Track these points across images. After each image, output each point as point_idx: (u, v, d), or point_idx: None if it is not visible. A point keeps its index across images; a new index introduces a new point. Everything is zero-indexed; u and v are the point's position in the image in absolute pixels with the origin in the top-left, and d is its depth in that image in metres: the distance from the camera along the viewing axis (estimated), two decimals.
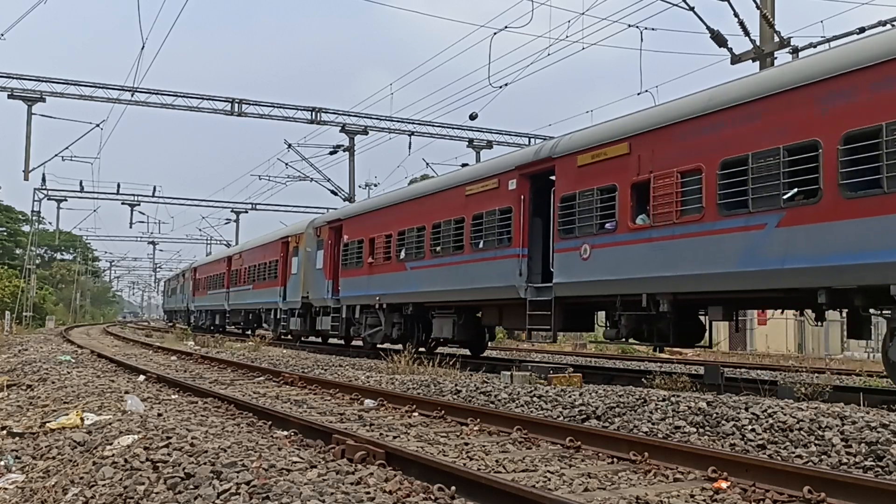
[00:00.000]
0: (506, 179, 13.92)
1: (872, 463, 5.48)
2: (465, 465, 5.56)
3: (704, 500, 4.75)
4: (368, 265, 18.87)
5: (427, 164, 33.32)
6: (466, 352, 20.23)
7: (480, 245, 14.40)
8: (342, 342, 25.21)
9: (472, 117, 25.93)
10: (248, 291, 31.28)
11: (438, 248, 15.78)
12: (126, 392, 9.42)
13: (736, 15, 14.63)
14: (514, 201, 13.55)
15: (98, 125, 30.11)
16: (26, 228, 59.51)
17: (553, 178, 13.01)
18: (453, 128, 31.55)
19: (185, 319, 48.78)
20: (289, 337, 26.86)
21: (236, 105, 28.60)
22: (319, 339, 26.80)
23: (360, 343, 21.77)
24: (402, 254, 17.20)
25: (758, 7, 14.99)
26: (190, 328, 39.25)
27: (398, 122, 30.90)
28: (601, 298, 11.94)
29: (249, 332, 33.16)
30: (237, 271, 33.87)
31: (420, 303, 16.90)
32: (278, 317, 26.42)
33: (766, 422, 6.55)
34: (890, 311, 8.33)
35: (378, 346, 19.59)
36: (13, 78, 26.71)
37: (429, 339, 17.96)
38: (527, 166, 13.57)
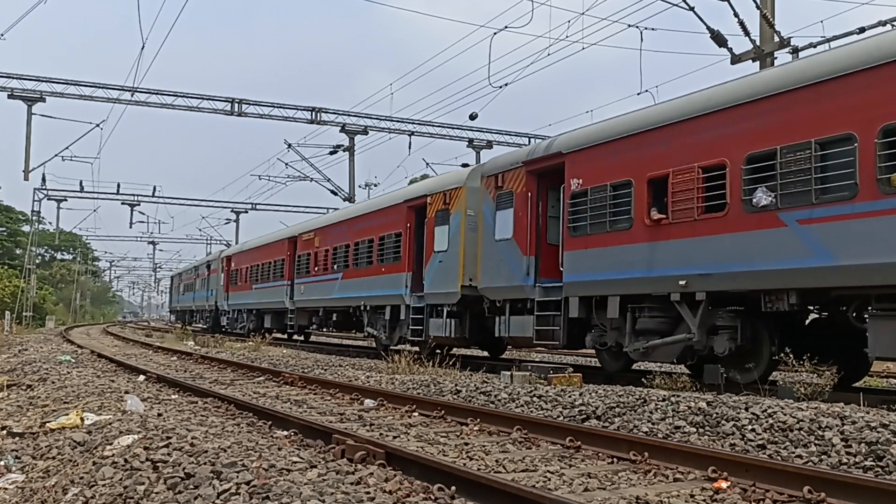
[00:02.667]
0: None
1: (872, 463, 5.49)
2: (465, 465, 5.56)
3: (704, 500, 4.75)
4: (650, 225, 10.82)
5: (427, 164, 33.37)
6: (470, 352, 18.97)
7: None
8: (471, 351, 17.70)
9: (472, 117, 25.95)
10: (334, 282, 22.00)
11: None
12: (126, 392, 9.42)
13: (736, 15, 14.63)
14: None
15: (98, 125, 30.15)
16: (26, 228, 59.53)
17: None
18: (453, 128, 31.57)
19: (209, 321, 40.20)
20: (414, 347, 17.68)
21: (236, 105, 28.60)
22: (484, 353, 18.05)
23: (590, 356, 15.62)
24: (766, 198, 9.22)
25: (758, 7, 14.99)
26: (186, 332, 33.90)
27: (398, 122, 30.91)
28: None
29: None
30: (309, 256, 24.43)
31: (831, 289, 8.97)
32: (402, 317, 17.83)
33: (766, 422, 6.56)
34: None
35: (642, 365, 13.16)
36: (13, 78, 26.71)
37: (774, 357, 10.05)
38: None
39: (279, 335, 28.72)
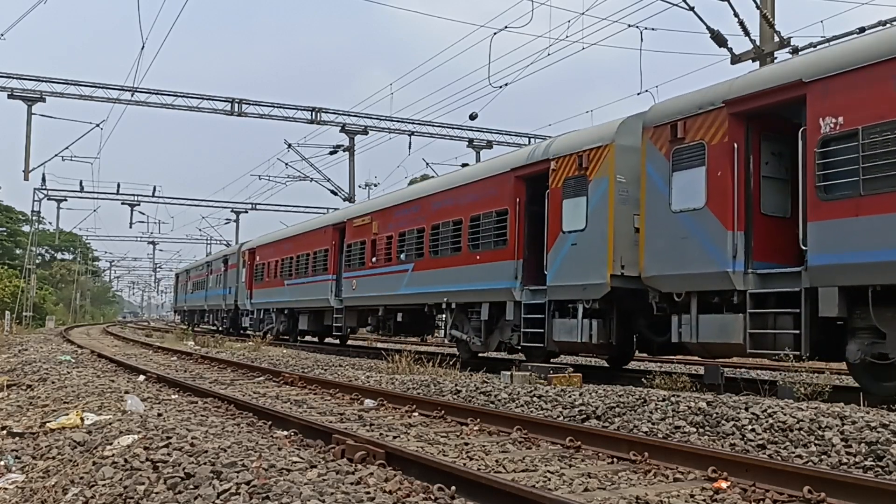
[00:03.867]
0: None
1: (872, 463, 5.49)
2: (465, 465, 5.56)
3: (704, 500, 4.75)
4: None
5: (427, 164, 33.40)
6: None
7: None
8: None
9: (472, 117, 25.95)
10: (401, 276, 17.78)
11: None
12: (126, 392, 9.43)
13: (736, 15, 14.63)
14: None
15: (98, 125, 30.17)
16: (26, 228, 59.60)
17: None
18: (453, 128, 31.60)
19: (226, 322, 36.34)
20: (514, 354, 15.21)
21: (236, 105, 28.62)
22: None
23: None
24: None
25: (758, 7, 14.99)
26: (186, 332, 32.62)
27: (398, 122, 30.92)
28: None
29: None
30: (363, 245, 20.18)
31: None
32: (508, 317, 13.90)
33: (766, 422, 6.56)
34: None
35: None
36: (13, 78, 26.74)
37: None
38: None
39: (312, 339, 27.20)
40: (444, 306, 16.18)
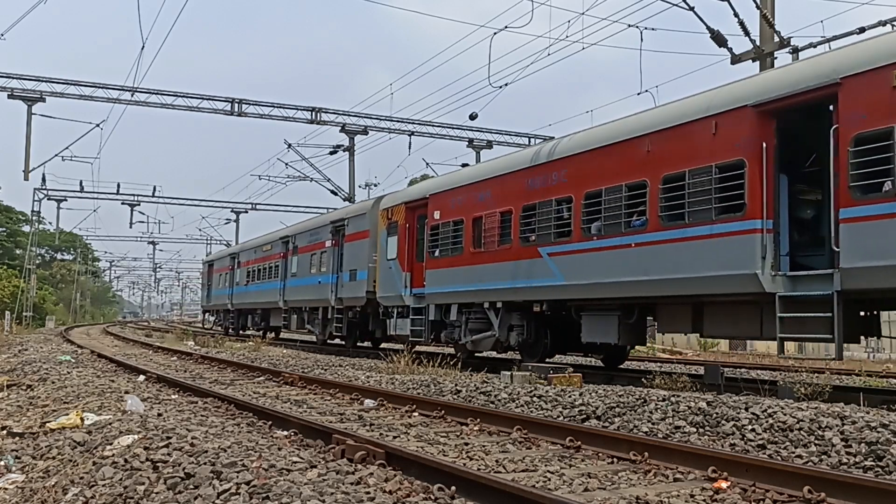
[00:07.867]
0: None
1: (872, 463, 5.49)
2: (465, 465, 5.56)
3: (704, 500, 4.75)
4: None
5: (427, 164, 33.37)
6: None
7: None
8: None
9: (472, 117, 25.95)
10: None
11: None
12: (126, 392, 9.43)
13: (736, 15, 14.64)
14: None
15: (98, 125, 30.15)
16: (26, 228, 59.59)
17: None
18: (453, 128, 31.58)
19: (337, 326, 21.73)
20: None
21: (236, 105, 28.61)
22: None
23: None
24: None
25: (758, 7, 14.99)
26: (187, 332, 28.82)
27: (398, 122, 30.91)
28: None
29: None
30: None
31: None
32: None
33: (766, 422, 6.56)
34: None
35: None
36: (13, 78, 26.72)
37: None
38: None
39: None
40: None
